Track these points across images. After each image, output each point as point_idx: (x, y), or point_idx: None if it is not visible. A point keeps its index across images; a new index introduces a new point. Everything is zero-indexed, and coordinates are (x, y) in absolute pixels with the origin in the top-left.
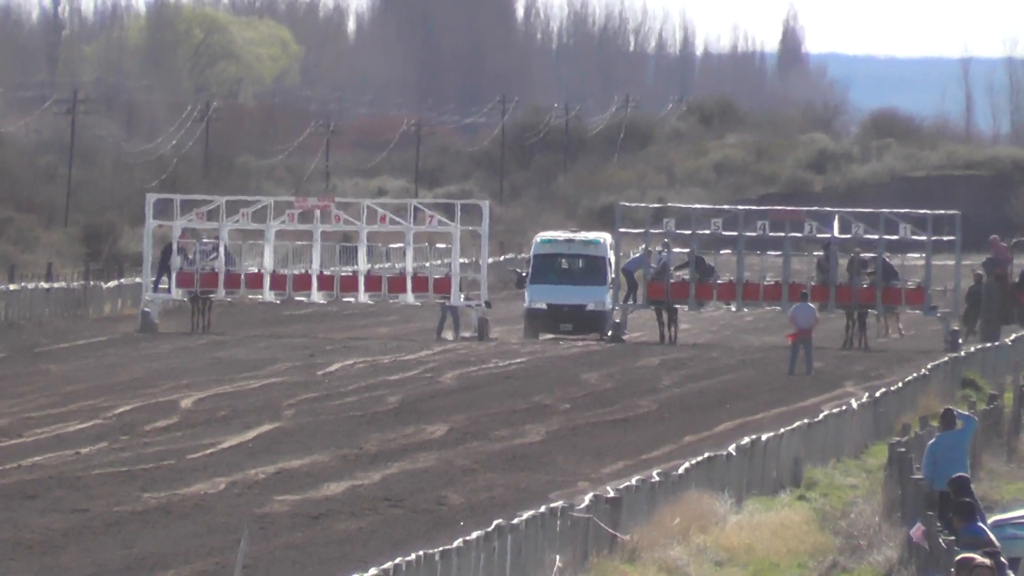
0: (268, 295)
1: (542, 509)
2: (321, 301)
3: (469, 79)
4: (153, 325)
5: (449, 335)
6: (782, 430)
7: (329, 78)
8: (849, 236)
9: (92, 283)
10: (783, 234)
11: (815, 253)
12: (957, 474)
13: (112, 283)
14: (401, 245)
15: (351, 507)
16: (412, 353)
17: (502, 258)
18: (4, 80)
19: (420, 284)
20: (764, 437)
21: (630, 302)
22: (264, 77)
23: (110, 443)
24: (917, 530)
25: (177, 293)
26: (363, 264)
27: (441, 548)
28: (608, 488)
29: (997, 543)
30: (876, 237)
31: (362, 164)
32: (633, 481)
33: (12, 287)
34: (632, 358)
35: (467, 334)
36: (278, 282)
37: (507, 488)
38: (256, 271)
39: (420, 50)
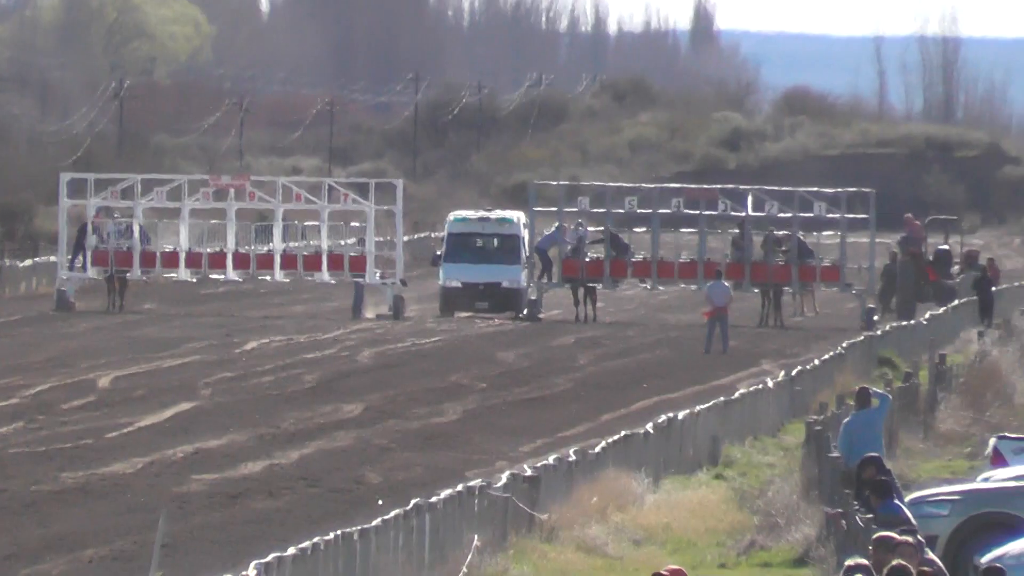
0: (184, 273)
1: (460, 488)
2: (237, 279)
3: (382, 57)
4: (69, 304)
5: (369, 312)
6: (698, 408)
7: (242, 57)
8: (763, 214)
9: (7, 262)
10: (698, 212)
11: (730, 231)
12: (868, 453)
13: (27, 262)
14: (316, 223)
15: (269, 486)
16: (328, 332)
17: (416, 236)
18: None
19: (336, 262)
20: (681, 415)
21: (544, 280)
22: (178, 56)
23: (26, 422)
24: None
25: (92, 272)
26: (279, 243)
27: (359, 527)
28: (526, 467)
29: (914, 521)
30: (791, 215)
31: (276, 143)
32: (550, 460)
33: None
34: (548, 337)
35: (383, 312)
36: (193, 260)
37: (424, 467)
38: (172, 250)
39: (333, 29)
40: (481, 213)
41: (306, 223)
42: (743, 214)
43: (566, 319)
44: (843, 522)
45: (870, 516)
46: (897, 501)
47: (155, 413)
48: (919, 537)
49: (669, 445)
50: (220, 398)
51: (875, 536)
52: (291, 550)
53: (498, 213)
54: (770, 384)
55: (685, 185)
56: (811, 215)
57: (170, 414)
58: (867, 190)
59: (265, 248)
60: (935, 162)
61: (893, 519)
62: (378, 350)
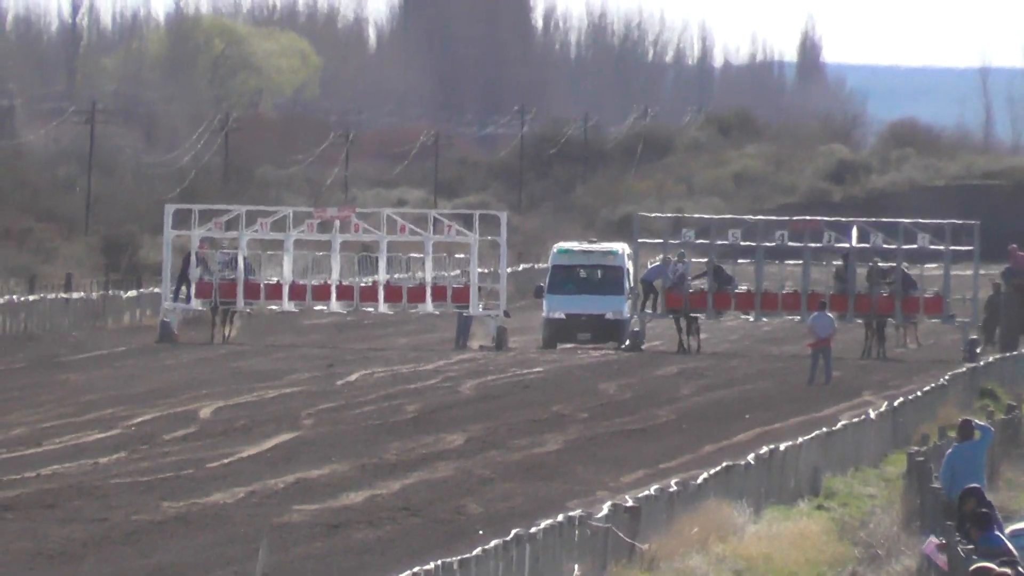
0: (287, 305)
1: (560, 518)
2: (340, 311)
3: (488, 90)
4: (172, 335)
5: (473, 343)
6: (800, 439)
7: (348, 89)
8: (868, 246)
9: (111, 293)
10: (802, 244)
11: (834, 263)
12: (969, 485)
13: (131, 293)
14: (420, 255)
15: (370, 516)
16: (431, 363)
17: (520, 268)
18: (24, 91)
19: (439, 294)
20: (783, 446)
21: (648, 311)
22: (284, 88)
23: (129, 453)
24: (929, 544)
25: (196, 303)
26: (383, 274)
27: (460, 557)
28: (627, 497)
29: (1015, 552)
30: (895, 247)
31: (381, 175)
32: (652, 490)
33: (32, 298)
34: (650, 368)
35: (486, 343)
36: (297, 292)
37: (525, 497)
38: (275, 281)
39: (439, 61)
40: (585, 245)
41: (410, 255)
42: (847, 245)
43: (668, 350)
44: (941, 558)
45: (971, 547)
46: (998, 533)
47: (256, 443)
48: (1019, 569)
49: (771, 476)
50: (322, 428)
51: (973, 567)
52: None
53: (602, 245)
54: (872, 415)
55: (789, 217)
56: (915, 247)
57: (271, 444)
58: (971, 222)
59: (369, 280)
60: None
61: (994, 551)
62: (480, 381)
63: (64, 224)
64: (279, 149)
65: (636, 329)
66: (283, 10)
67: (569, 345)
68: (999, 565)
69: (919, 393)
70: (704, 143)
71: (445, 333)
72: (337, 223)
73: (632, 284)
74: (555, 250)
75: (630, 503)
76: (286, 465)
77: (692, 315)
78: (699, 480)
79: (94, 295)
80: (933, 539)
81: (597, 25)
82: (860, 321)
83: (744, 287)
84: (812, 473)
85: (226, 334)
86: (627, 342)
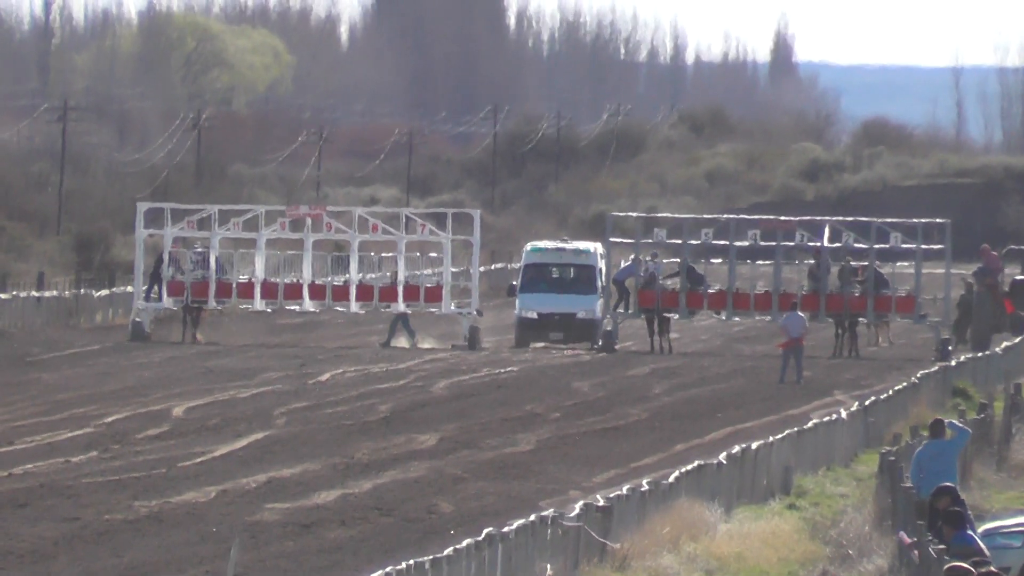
0: (259, 304)
1: (533, 518)
2: (312, 310)
3: (461, 87)
4: (144, 334)
5: (403, 342)
6: (772, 438)
7: (321, 86)
8: (840, 245)
9: (84, 292)
10: (774, 243)
11: (806, 262)
12: (943, 484)
13: (104, 292)
14: (393, 254)
15: (342, 516)
16: (403, 362)
17: (493, 267)
18: None
19: (411, 293)
20: (754, 445)
21: (620, 311)
22: (257, 85)
23: (101, 452)
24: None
25: (168, 302)
26: (355, 273)
27: (432, 556)
28: (599, 497)
29: (987, 552)
30: (867, 246)
31: (354, 172)
32: (624, 490)
33: (4, 296)
34: (623, 367)
35: (458, 343)
36: (269, 291)
37: (498, 497)
38: (247, 280)
39: (412, 58)
40: (558, 244)
41: (383, 254)
42: (819, 245)
43: (641, 349)
44: (916, 552)
45: (943, 547)
46: (971, 532)
47: (229, 442)
48: (991, 569)
49: (742, 475)
50: (294, 428)
51: (947, 567)
52: None
53: (575, 244)
54: (844, 415)
55: (761, 217)
56: (887, 246)
57: (244, 443)
58: (943, 220)
59: (341, 279)
60: (1013, 192)
61: (966, 550)
62: (453, 380)
63: (37, 222)
64: (252, 147)
65: (608, 329)
66: (255, 7)
67: (541, 344)
68: (972, 566)
69: (891, 392)
70: (677, 141)
71: (418, 333)
72: (309, 222)
73: (605, 283)
74: (528, 249)
75: (602, 502)
76: (258, 464)
77: (665, 315)
78: (671, 479)
79: (66, 294)
80: (904, 537)
81: (570, 23)
82: (831, 320)
83: (716, 287)
84: (784, 472)
85: (194, 335)
86: (599, 342)
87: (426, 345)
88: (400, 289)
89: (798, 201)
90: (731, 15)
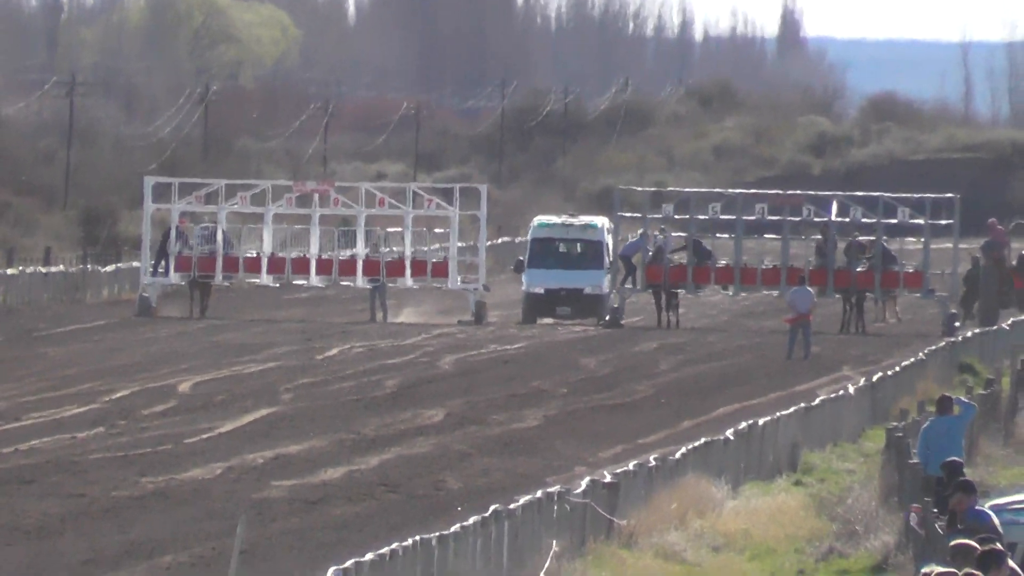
0: (266, 279)
1: (539, 494)
2: (319, 285)
3: (468, 62)
4: (151, 309)
5: (380, 315)
6: (779, 415)
7: (329, 60)
8: (847, 220)
9: (90, 267)
10: (781, 218)
11: (813, 237)
12: (950, 458)
13: (110, 267)
14: (400, 229)
15: (348, 492)
16: (410, 338)
17: (500, 241)
18: (3, 63)
19: (419, 268)
20: (761, 422)
21: (628, 286)
22: (264, 60)
23: (107, 428)
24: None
25: (175, 277)
26: (362, 248)
27: (438, 533)
28: (605, 473)
29: (1000, 530)
30: (875, 221)
31: (361, 147)
32: (630, 466)
33: (10, 271)
34: (630, 343)
35: (464, 318)
36: (276, 266)
37: (504, 473)
38: (254, 255)
39: (420, 33)
40: (565, 218)
41: (389, 229)
42: (826, 219)
43: (648, 325)
44: (923, 529)
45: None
46: (987, 509)
47: (235, 419)
48: (997, 545)
49: (749, 451)
50: (301, 404)
51: (953, 543)
52: (369, 556)
53: (582, 219)
54: (851, 390)
55: (769, 191)
56: (895, 221)
57: (250, 419)
58: (951, 195)
59: (348, 253)
60: (1021, 167)
61: (979, 527)
62: (459, 356)
63: (43, 197)
64: (259, 121)
65: (615, 304)
66: None
67: (548, 320)
68: (979, 542)
69: (898, 368)
70: (684, 116)
71: (426, 307)
72: (316, 197)
73: (612, 258)
74: (535, 224)
75: (609, 479)
76: (265, 440)
77: (672, 290)
78: (678, 455)
79: (73, 269)
80: (914, 517)
81: None
82: (839, 296)
83: (724, 261)
84: (791, 448)
85: (203, 309)
86: (607, 317)
87: (400, 320)
88: (407, 264)
89: (806, 175)
90: None
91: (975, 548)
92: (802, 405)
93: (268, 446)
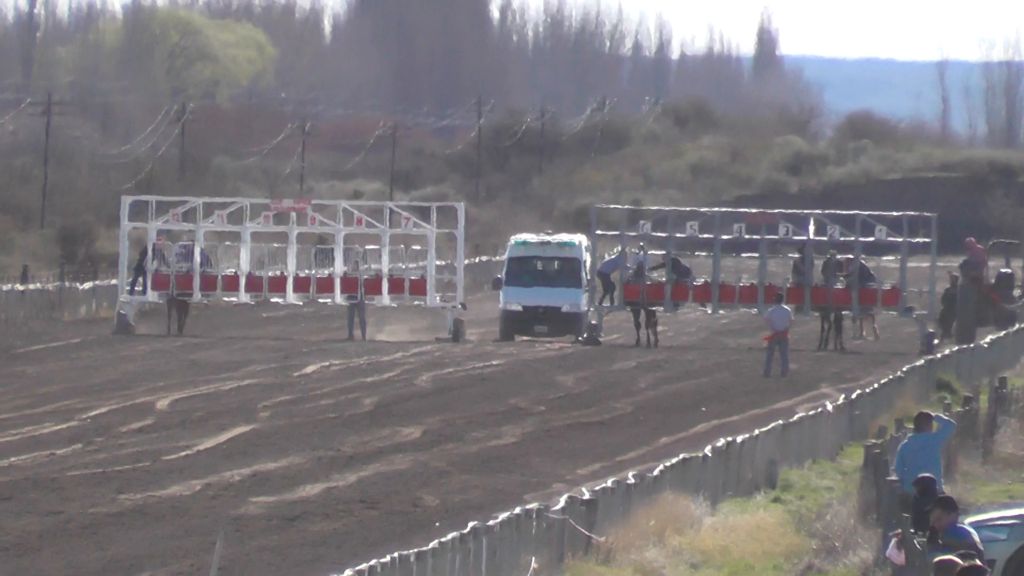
0: (244, 297)
1: (517, 511)
2: (297, 303)
3: (445, 81)
4: (129, 327)
5: (358, 333)
6: (757, 432)
7: (305, 80)
8: (825, 238)
9: (68, 285)
10: (759, 236)
11: (791, 255)
12: (922, 475)
13: (88, 285)
14: (377, 247)
15: (326, 509)
16: (387, 355)
17: (477, 260)
18: None
19: (397, 286)
20: (739, 439)
21: (606, 304)
22: (240, 79)
23: (85, 445)
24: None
25: (153, 295)
26: (339, 267)
27: (416, 550)
28: (583, 490)
29: (980, 546)
30: (852, 239)
31: (338, 166)
32: (608, 483)
33: None
34: (608, 360)
35: (442, 336)
36: (254, 284)
37: (482, 490)
38: (232, 273)
39: (395, 52)
40: (542, 237)
41: (367, 247)
42: (804, 238)
43: (626, 343)
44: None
45: (925, 540)
46: (968, 526)
47: (213, 436)
48: (977, 562)
49: (728, 468)
50: (278, 421)
51: (936, 560)
52: (348, 572)
53: (559, 237)
54: (829, 408)
55: (746, 210)
56: (872, 239)
57: (228, 437)
58: (928, 214)
59: (325, 272)
60: (997, 186)
61: (959, 543)
62: (437, 374)
63: (20, 215)
64: (235, 140)
65: (593, 322)
66: (239, 1)
67: (526, 338)
68: (960, 558)
69: (876, 385)
70: (661, 134)
71: (402, 325)
72: (293, 215)
73: (590, 276)
74: (512, 242)
75: (587, 495)
76: (243, 457)
77: (651, 308)
78: (656, 472)
79: (50, 287)
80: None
81: (554, 16)
82: (817, 313)
83: (702, 279)
84: (769, 466)
85: (180, 327)
86: (584, 335)
87: (379, 337)
88: (384, 282)
89: (782, 194)
90: (715, 8)
91: (957, 564)
92: (780, 422)
93: (246, 463)
